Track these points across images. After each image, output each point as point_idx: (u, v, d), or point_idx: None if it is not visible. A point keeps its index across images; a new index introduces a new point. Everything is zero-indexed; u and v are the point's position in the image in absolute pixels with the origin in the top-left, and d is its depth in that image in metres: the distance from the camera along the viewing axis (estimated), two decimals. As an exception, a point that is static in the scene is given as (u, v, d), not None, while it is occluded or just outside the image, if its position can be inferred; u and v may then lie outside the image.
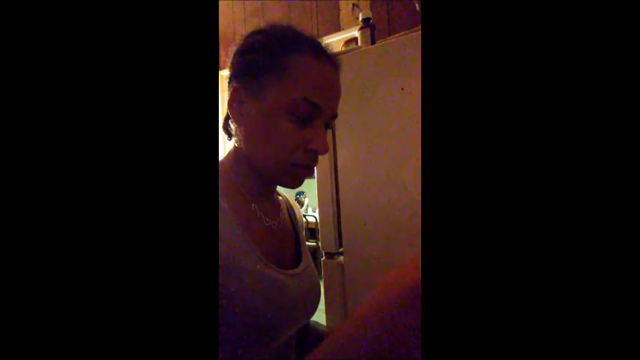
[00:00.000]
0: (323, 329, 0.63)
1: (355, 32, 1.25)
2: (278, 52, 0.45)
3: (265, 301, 0.43)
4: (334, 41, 1.76)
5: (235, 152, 0.51)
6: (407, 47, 0.97)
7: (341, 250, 1.12)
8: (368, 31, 1.16)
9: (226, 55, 0.51)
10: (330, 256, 1.14)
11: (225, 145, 2.13)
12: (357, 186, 1.06)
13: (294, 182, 0.49)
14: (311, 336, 0.60)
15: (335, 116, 0.49)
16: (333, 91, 0.47)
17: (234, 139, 0.52)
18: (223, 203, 0.45)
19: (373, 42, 1.17)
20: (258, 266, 0.44)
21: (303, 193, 3.00)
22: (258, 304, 0.42)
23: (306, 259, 0.56)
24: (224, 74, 2.13)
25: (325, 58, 0.46)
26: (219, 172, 0.49)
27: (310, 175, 0.50)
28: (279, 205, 0.59)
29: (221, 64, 2.22)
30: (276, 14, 2.00)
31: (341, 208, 1.10)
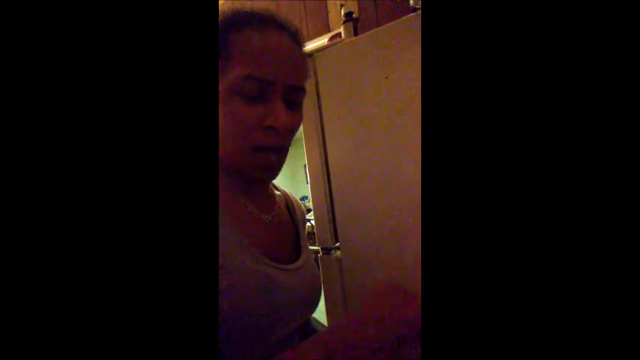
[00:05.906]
0: (324, 327, 0.62)
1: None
2: (220, 36, 0.43)
3: (256, 297, 0.42)
4: (324, 42, 1.76)
5: None
6: (389, 37, 0.97)
7: (337, 245, 1.11)
8: (351, 24, 1.17)
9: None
10: (327, 251, 1.13)
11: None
12: (349, 179, 1.05)
13: (263, 172, 0.46)
14: (312, 333, 0.57)
15: (296, 88, 0.45)
16: (283, 61, 0.43)
17: None
18: None
19: (356, 34, 1.17)
20: (247, 262, 0.43)
21: (307, 197, 2.97)
22: (249, 300, 0.41)
23: (306, 254, 0.54)
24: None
25: (271, 29, 0.43)
26: None
27: (279, 160, 0.47)
28: (274, 198, 0.57)
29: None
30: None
31: (334, 201, 1.09)
